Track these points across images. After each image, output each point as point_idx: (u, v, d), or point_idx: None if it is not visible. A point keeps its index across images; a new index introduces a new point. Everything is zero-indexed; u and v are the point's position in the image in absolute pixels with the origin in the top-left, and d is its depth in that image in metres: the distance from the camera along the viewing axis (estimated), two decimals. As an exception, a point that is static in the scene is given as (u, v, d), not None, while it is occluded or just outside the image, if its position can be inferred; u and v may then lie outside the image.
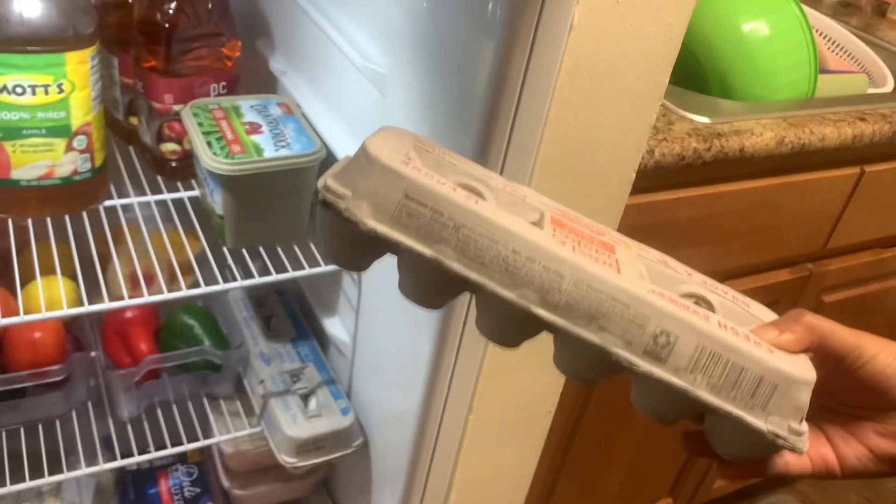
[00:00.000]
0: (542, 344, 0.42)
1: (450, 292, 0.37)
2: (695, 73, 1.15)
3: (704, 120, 0.96)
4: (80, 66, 0.85)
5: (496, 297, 0.35)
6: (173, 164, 1.01)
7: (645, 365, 0.36)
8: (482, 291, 0.35)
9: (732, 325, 0.39)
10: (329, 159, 0.93)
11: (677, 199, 0.98)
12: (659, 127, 0.93)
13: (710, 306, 0.42)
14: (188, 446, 1.02)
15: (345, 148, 0.94)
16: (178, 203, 1.01)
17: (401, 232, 0.34)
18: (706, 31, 1.13)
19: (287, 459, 0.95)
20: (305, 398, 1.02)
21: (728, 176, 1.01)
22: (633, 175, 0.80)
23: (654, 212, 0.96)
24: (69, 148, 0.88)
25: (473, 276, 0.35)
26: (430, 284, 0.37)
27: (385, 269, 0.90)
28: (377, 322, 0.97)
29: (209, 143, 0.88)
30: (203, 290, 0.92)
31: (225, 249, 0.97)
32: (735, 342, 0.37)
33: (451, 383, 0.86)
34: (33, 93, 0.83)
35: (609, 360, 0.36)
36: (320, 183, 0.36)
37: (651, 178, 0.89)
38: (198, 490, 1.10)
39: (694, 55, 1.14)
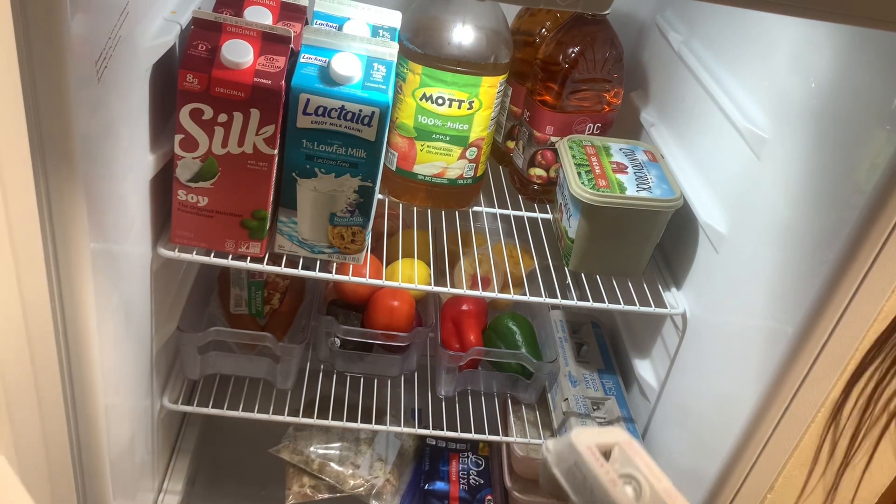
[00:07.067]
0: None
1: None
2: None
3: None
4: (489, 90, 1.00)
5: None
6: (536, 187, 1.13)
7: None
8: None
9: None
10: (685, 209, 0.97)
11: None
12: None
13: None
14: (486, 437, 1.12)
15: (702, 201, 0.97)
16: (528, 222, 1.11)
17: (565, 479, 0.56)
18: None
19: (575, 477, 1.00)
20: (602, 427, 1.07)
21: None
22: None
23: None
24: (462, 156, 1.03)
25: None
26: None
27: (717, 329, 0.91)
28: (693, 376, 0.98)
29: (579, 174, 0.97)
30: (535, 298, 1.03)
31: (553, 276, 1.05)
32: None
33: (760, 455, 0.84)
34: (449, 105, 0.99)
35: None
36: (547, 442, 0.58)
37: None
38: (482, 481, 1.20)
39: None
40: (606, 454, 0.58)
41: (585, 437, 0.60)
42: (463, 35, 0.96)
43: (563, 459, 0.58)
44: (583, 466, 0.57)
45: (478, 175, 1.07)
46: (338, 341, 1.12)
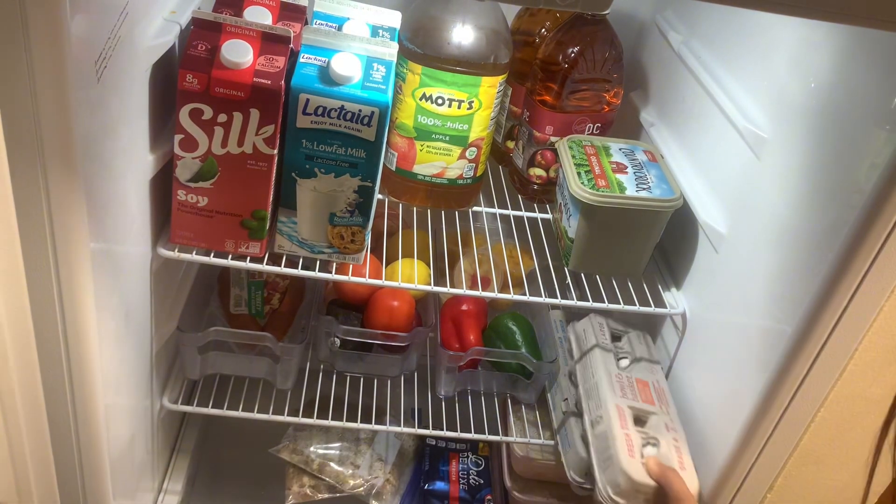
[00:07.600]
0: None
1: None
2: None
3: None
4: (489, 90, 1.00)
5: None
6: (535, 187, 1.13)
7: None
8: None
9: (636, 445, 0.89)
10: (684, 209, 0.97)
11: None
12: None
13: (655, 441, 0.90)
14: (486, 437, 1.12)
15: (702, 200, 0.97)
16: (527, 222, 1.11)
17: (575, 339, 0.97)
18: None
19: (575, 478, 1.00)
20: (602, 427, 1.07)
21: None
22: None
23: None
24: (462, 156, 1.03)
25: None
26: None
27: (717, 329, 0.92)
28: (693, 375, 0.98)
29: (579, 174, 0.97)
30: (535, 298, 1.03)
31: (552, 276, 1.05)
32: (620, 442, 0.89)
33: (760, 454, 0.84)
34: (449, 105, 0.99)
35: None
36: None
37: None
38: (481, 481, 1.20)
39: None
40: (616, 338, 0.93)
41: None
42: (463, 35, 0.96)
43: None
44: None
45: (477, 175, 1.07)
46: (338, 341, 1.12)
